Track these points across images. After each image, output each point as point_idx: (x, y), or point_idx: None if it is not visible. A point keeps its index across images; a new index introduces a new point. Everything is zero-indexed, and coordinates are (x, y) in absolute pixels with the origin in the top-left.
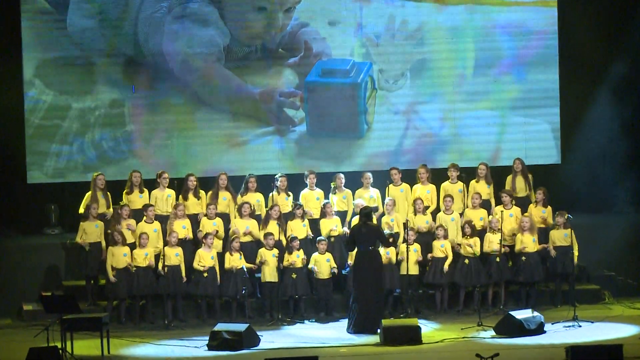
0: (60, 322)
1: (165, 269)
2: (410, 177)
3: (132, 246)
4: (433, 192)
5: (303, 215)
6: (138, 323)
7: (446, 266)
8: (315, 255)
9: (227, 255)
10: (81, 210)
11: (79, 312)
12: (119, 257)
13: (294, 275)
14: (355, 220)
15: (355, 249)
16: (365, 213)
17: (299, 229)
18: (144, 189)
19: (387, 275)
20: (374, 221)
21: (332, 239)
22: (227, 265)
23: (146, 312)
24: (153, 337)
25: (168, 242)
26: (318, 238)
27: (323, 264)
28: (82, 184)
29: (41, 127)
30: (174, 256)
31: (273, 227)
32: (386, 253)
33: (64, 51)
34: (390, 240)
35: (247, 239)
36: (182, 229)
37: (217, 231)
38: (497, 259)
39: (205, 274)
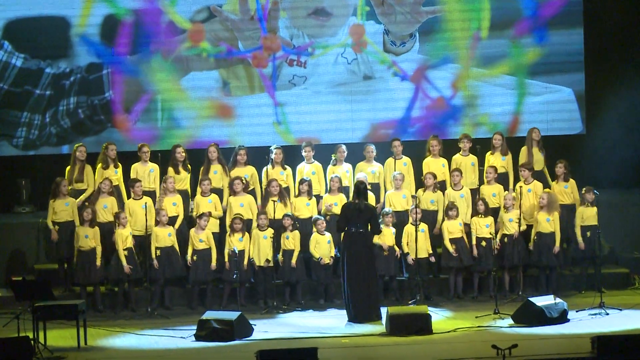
0: (32, 310)
1: (158, 251)
2: (417, 150)
3: (109, 226)
4: (447, 166)
5: (309, 192)
6: (118, 311)
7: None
8: (314, 235)
9: (227, 237)
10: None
11: (52, 298)
12: (82, 238)
13: (281, 258)
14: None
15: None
16: (362, 189)
17: (303, 208)
18: (119, 163)
19: (390, 259)
20: (372, 200)
21: (328, 217)
22: (227, 247)
23: (128, 299)
24: (135, 327)
25: (158, 221)
26: (314, 217)
27: (324, 246)
28: (56, 157)
29: (10, 94)
30: (167, 237)
31: (272, 204)
32: (392, 233)
33: (36, 9)
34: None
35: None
36: (172, 206)
37: (210, 213)
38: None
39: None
